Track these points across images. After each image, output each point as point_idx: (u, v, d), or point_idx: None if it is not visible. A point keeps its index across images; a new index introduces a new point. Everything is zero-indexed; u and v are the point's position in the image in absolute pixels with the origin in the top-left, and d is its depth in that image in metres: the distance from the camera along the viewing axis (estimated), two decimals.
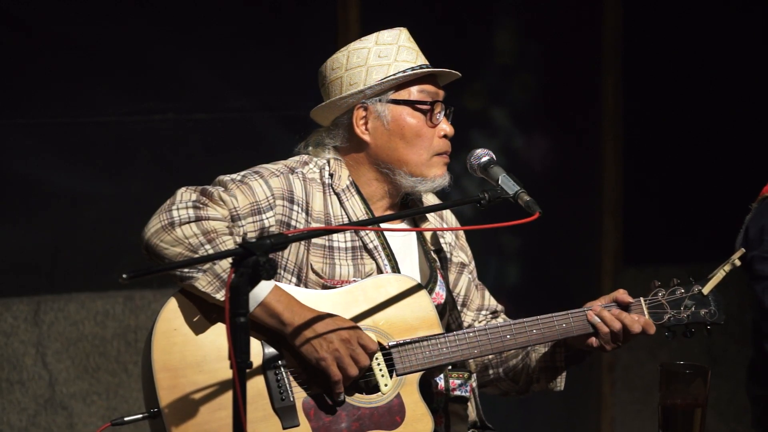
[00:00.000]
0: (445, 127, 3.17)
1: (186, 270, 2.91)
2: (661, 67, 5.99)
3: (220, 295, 2.89)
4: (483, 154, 3.15)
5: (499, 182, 3.07)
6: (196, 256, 2.91)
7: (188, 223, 2.93)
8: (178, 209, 2.96)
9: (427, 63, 3.19)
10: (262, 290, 2.94)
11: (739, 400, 5.51)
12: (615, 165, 5.98)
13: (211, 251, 2.91)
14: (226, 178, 3.10)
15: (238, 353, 2.49)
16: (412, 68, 3.14)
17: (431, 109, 3.15)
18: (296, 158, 3.21)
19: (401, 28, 3.21)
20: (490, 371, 3.33)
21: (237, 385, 2.48)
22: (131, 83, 5.09)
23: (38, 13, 4.95)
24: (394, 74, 3.12)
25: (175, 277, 2.94)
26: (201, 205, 2.97)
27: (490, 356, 3.31)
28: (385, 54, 3.14)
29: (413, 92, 3.15)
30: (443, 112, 3.17)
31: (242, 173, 3.11)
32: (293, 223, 3.07)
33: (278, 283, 2.99)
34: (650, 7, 5.97)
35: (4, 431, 4.89)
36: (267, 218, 3.05)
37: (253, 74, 5.28)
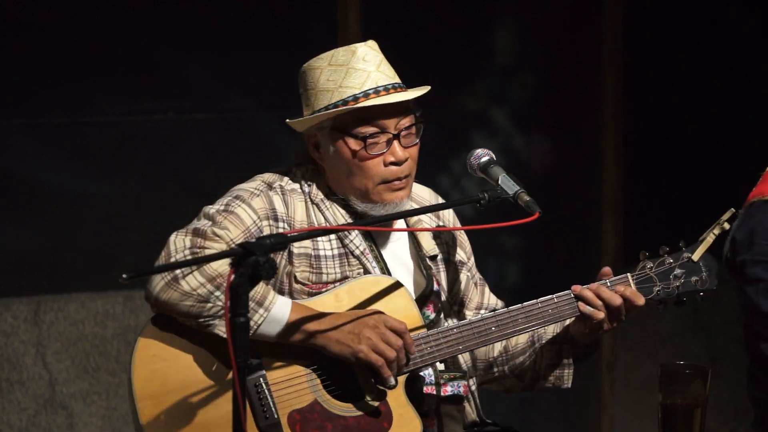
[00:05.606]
0: (390, 154, 3.06)
1: (201, 320, 2.90)
2: (661, 67, 5.99)
3: None
4: (483, 154, 3.13)
5: (499, 182, 3.06)
6: (209, 305, 2.89)
7: (191, 273, 2.89)
8: (177, 260, 2.92)
9: (378, 85, 3.05)
10: (282, 313, 2.93)
11: (739, 400, 5.51)
12: (615, 165, 5.98)
13: (221, 296, 2.88)
14: (211, 210, 3.04)
15: (238, 353, 2.48)
16: (354, 95, 3.03)
17: (366, 143, 3.04)
18: (276, 170, 3.18)
19: (358, 45, 3.09)
20: (495, 369, 3.30)
21: (237, 386, 2.48)
22: (131, 83, 5.09)
23: (38, 13, 4.95)
24: (334, 102, 3.04)
25: (194, 324, 2.92)
26: (198, 250, 2.93)
27: (495, 354, 3.29)
28: (333, 78, 3.06)
29: (351, 124, 3.05)
30: (390, 141, 3.05)
31: (224, 201, 3.06)
32: None
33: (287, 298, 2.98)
34: (650, 7, 5.96)
35: (4, 431, 4.89)
36: None
37: (253, 74, 5.28)
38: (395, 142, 3.06)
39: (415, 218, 3.25)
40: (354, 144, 3.06)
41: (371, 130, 3.05)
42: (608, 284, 3.12)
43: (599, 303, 3.07)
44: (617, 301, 3.07)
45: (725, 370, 5.54)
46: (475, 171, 3.13)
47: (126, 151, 5.12)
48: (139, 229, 5.11)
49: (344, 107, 3.03)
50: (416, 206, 3.25)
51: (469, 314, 3.30)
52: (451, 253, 3.30)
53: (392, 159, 3.07)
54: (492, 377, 3.32)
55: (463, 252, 3.35)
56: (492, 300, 3.36)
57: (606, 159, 5.98)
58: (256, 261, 2.52)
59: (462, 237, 3.37)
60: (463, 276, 3.31)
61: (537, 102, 5.95)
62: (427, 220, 3.31)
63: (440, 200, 3.37)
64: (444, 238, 3.30)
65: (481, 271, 3.43)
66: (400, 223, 3.23)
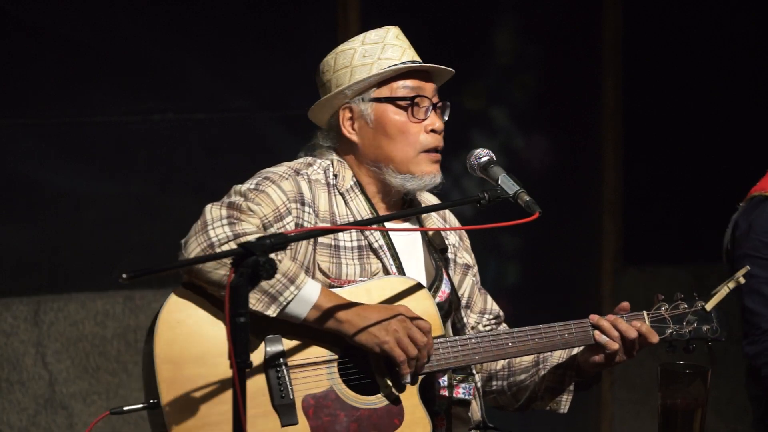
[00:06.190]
0: (431, 121, 3.15)
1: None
2: (661, 67, 5.99)
3: (271, 311, 2.87)
4: (483, 154, 3.15)
5: (499, 182, 3.07)
6: None
7: (227, 242, 2.89)
8: (213, 228, 2.91)
9: (415, 60, 3.18)
10: (312, 293, 2.93)
11: (739, 400, 5.50)
12: (615, 165, 5.98)
13: None
14: (243, 187, 3.06)
15: (238, 353, 2.49)
16: (395, 65, 3.13)
17: (412, 104, 3.13)
18: (300, 160, 3.20)
19: (390, 27, 3.20)
20: (494, 383, 3.34)
21: (237, 385, 2.49)
22: (131, 83, 5.09)
23: (38, 13, 4.95)
24: (377, 72, 3.12)
25: (222, 296, 2.87)
26: (235, 221, 2.93)
27: (497, 368, 3.33)
28: (370, 53, 3.14)
29: (395, 88, 3.14)
30: (430, 107, 3.15)
31: (254, 181, 3.08)
32: (306, 225, 3.06)
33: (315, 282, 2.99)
34: (650, 7, 5.97)
35: (4, 431, 4.89)
36: (287, 224, 3.02)
37: (253, 74, 5.28)
38: (433, 112, 3.16)
39: (423, 215, 3.30)
40: (400, 105, 3.13)
41: (415, 94, 3.14)
42: (624, 318, 3.16)
43: (616, 334, 3.11)
44: (633, 334, 3.11)
45: (725, 370, 5.54)
46: (475, 171, 3.15)
47: (126, 151, 5.13)
48: (139, 229, 5.12)
49: (388, 69, 3.11)
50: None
51: (474, 317, 3.34)
52: (457, 255, 3.34)
53: (432, 126, 3.15)
54: (489, 390, 3.36)
55: (469, 257, 3.39)
56: (495, 307, 3.40)
57: (606, 159, 5.99)
58: (256, 261, 2.53)
59: (467, 244, 3.42)
60: (469, 279, 3.35)
61: (537, 102, 5.96)
62: (435, 221, 3.35)
63: None
64: (451, 240, 3.34)
65: (480, 270, 3.45)
66: (407, 222, 3.27)
